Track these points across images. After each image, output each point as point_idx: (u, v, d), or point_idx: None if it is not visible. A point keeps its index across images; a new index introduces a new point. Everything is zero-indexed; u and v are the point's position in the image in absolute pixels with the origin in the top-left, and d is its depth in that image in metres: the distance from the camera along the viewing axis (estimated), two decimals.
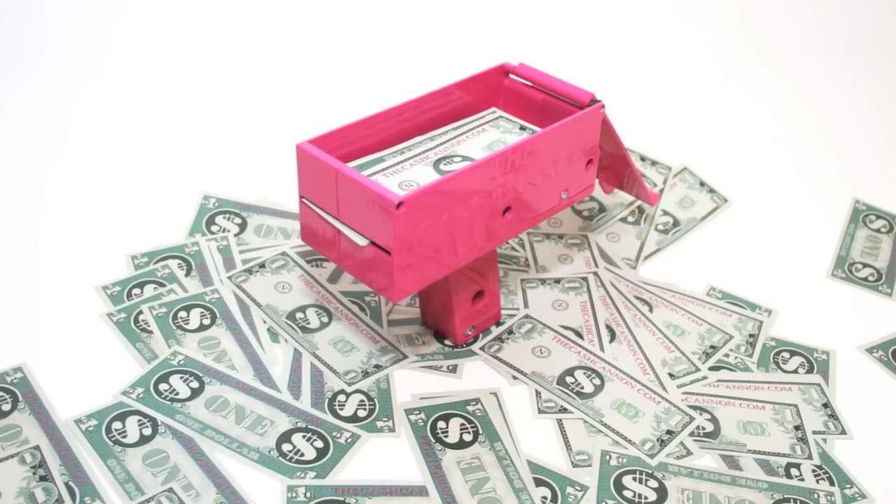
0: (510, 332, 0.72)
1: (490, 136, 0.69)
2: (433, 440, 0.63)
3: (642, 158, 0.93)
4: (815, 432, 0.65)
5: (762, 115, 1.04)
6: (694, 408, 0.67)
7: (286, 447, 0.61)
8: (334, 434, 0.63)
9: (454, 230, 0.61)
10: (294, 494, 0.58)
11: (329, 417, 0.64)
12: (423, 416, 0.65)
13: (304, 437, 0.62)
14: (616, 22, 1.13)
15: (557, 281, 0.77)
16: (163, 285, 0.73)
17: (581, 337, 0.72)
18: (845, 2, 1.18)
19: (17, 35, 1.02)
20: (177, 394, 0.64)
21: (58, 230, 0.80)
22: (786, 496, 0.61)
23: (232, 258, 0.77)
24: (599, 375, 0.68)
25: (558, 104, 0.71)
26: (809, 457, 0.64)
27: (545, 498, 0.59)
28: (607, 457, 0.62)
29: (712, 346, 0.72)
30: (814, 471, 0.63)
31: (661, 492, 0.60)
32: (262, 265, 0.76)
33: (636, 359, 0.70)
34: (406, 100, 0.68)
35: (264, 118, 0.97)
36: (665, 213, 0.86)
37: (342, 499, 0.58)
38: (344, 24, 1.09)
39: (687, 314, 0.75)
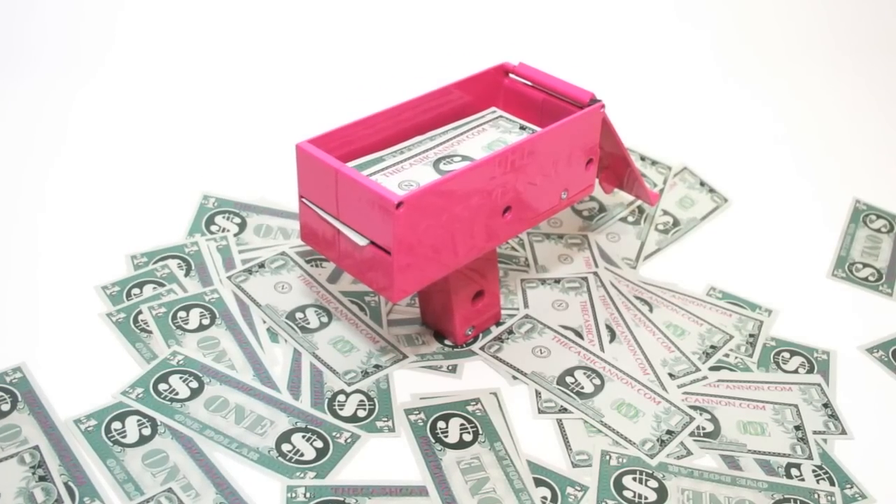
0: (510, 332, 0.72)
1: (490, 135, 0.69)
2: (433, 440, 0.63)
3: (642, 158, 0.93)
4: (815, 432, 0.65)
5: (762, 114, 1.04)
6: (694, 408, 0.66)
7: (286, 447, 0.61)
8: (334, 434, 0.63)
9: (454, 230, 0.61)
10: (294, 495, 0.58)
11: (329, 417, 0.64)
12: (422, 416, 0.65)
13: (303, 437, 0.62)
14: (616, 22, 1.13)
15: (557, 281, 0.77)
16: (162, 285, 0.73)
17: (581, 337, 0.72)
18: (845, 2, 1.18)
19: (17, 35, 1.02)
20: (176, 394, 0.64)
21: (57, 230, 0.79)
22: (786, 496, 0.61)
23: (231, 258, 0.77)
24: (599, 375, 0.68)
25: (558, 104, 0.71)
26: (810, 457, 0.63)
27: (545, 498, 0.59)
28: (607, 457, 0.62)
29: (712, 346, 0.72)
30: (814, 471, 0.62)
31: (661, 492, 0.60)
32: (261, 265, 0.76)
33: (636, 359, 0.70)
34: (406, 99, 0.68)
35: (264, 118, 0.97)
36: (665, 212, 0.86)
37: (342, 499, 0.58)
38: (344, 24, 1.09)
39: (687, 314, 0.75)
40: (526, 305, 0.74)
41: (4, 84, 0.98)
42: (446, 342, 0.71)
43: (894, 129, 1.04)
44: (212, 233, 0.80)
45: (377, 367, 0.68)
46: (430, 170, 0.64)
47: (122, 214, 0.82)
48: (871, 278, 0.81)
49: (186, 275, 0.75)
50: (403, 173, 0.63)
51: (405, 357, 0.69)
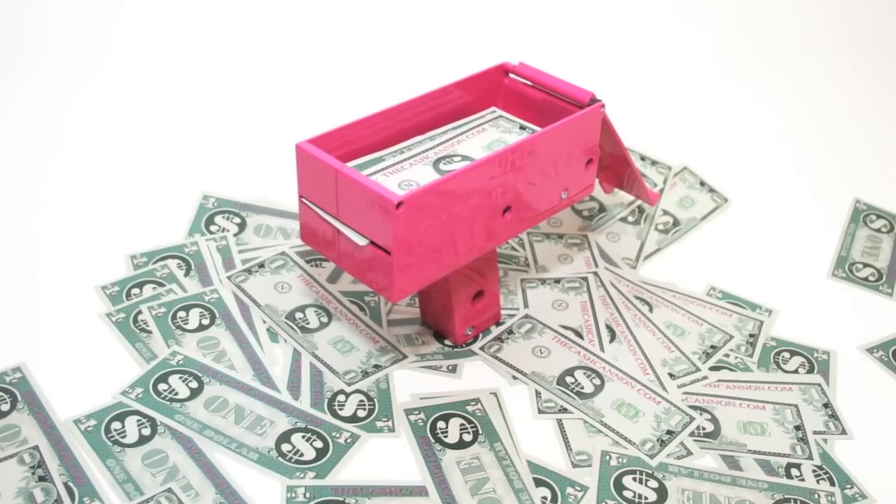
0: (510, 332, 0.72)
1: (490, 135, 0.69)
2: (433, 440, 0.63)
3: (642, 158, 0.93)
4: (815, 432, 0.65)
5: (762, 114, 1.04)
6: (694, 408, 0.66)
7: (285, 447, 0.61)
8: (334, 434, 0.63)
9: (454, 230, 0.61)
10: (293, 495, 0.58)
11: (328, 417, 0.64)
12: (422, 416, 0.64)
13: (303, 437, 0.62)
14: (616, 22, 1.13)
15: (557, 281, 0.77)
16: (162, 285, 0.73)
17: (581, 337, 0.72)
18: (845, 1, 1.18)
19: (16, 34, 1.02)
20: (176, 394, 0.64)
21: (57, 230, 0.79)
22: (786, 496, 0.60)
23: (231, 258, 0.77)
24: (599, 375, 0.68)
25: (558, 104, 0.71)
26: (810, 457, 0.63)
27: (545, 498, 0.59)
28: (607, 457, 0.62)
29: (712, 346, 0.72)
30: (814, 471, 0.62)
31: (662, 492, 0.60)
32: (261, 265, 0.76)
33: (636, 359, 0.70)
34: (406, 99, 0.68)
35: (264, 118, 0.97)
36: (665, 212, 0.86)
37: (342, 499, 0.58)
38: (344, 24, 1.09)
39: (687, 314, 0.75)
40: (526, 305, 0.74)
41: (4, 84, 0.98)
42: (446, 342, 0.71)
43: (894, 128, 1.04)
44: (211, 233, 0.80)
45: (377, 367, 0.68)
46: (429, 170, 0.64)
47: (121, 214, 0.82)
48: (871, 278, 0.81)
49: (186, 275, 0.75)
50: (403, 173, 0.63)
51: (405, 357, 0.69)
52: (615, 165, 0.77)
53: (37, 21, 1.03)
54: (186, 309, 0.71)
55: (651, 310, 0.75)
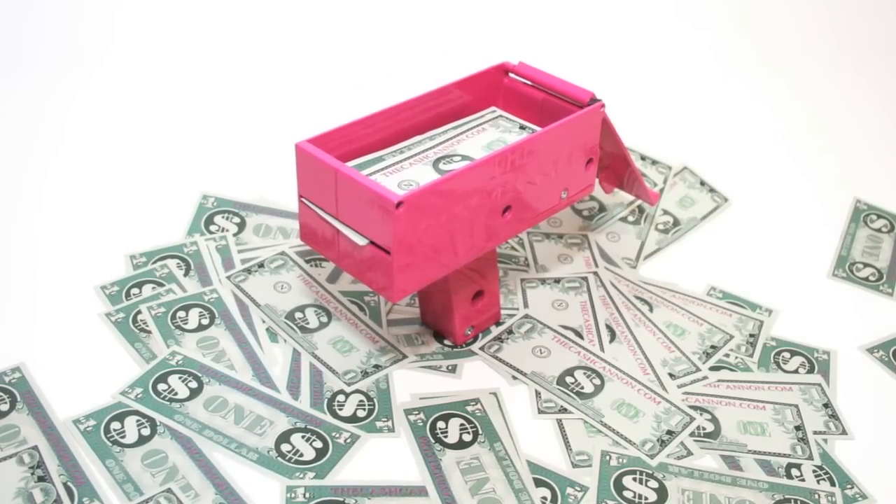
0: (510, 331, 0.72)
1: (490, 135, 0.69)
2: (433, 440, 0.63)
3: (642, 158, 0.93)
4: (815, 432, 0.65)
5: (762, 114, 1.04)
6: (694, 408, 0.66)
7: (285, 447, 0.61)
8: (333, 434, 0.63)
9: (454, 230, 0.61)
10: (293, 495, 0.58)
11: (328, 417, 0.64)
12: (422, 416, 0.64)
13: (303, 437, 0.62)
14: (616, 22, 1.13)
15: (557, 281, 0.77)
16: (161, 285, 0.73)
17: (581, 337, 0.72)
18: (845, 1, 1.18)
19: (15, 34, 1.02)
20: (175, 394, 0.64)
21: (56, 230, 0.79)
22: (786, 496, 0.60)
23: (231, 258, 0.77)
24: (599, 375, 0.68)
25: (558, 103, 0.71)
26: (810, 457, 0.63)
27: (545, 498, 0.59)
28: (607, 457, 0.62)
29: (713, 346, 0.72)
30: (814, 471, 0.62)
31: (662, 492, 0.60)
32: (260, 265, 0.76)
33: (636, 359, 0.70)
34: (405, 99, 0.68)
35: (263, 117, 0.97)
36: (665, 212, 0.86)
37: (341, 499, 0.58)
38: (344, 24, 1.09)
39: (687, 314, 0.75)
40: (526, 305, 0.74)
41: (3, 84, 0.98)
42: (446, 342, 0.71)
43: (895, 128, 1.04)
44: (211, 232, 0.79)
45: (377, 367, 0.68)
46: (429, 169, 0.64)
47: (121, 214, 0.81)
48: (871, 278, 0.81)
49: (186, 275, 0.75)
50: (403, 173, 0.63)
51: (405, 357, 0.69)
52: (615, 165, 0.77)
53: (36, 21, 1.03)
54: (186, 309, 0.71)
55: (651, 310, 0.75)
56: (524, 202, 0.65)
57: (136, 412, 0.63)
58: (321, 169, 0.60)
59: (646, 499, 0.60)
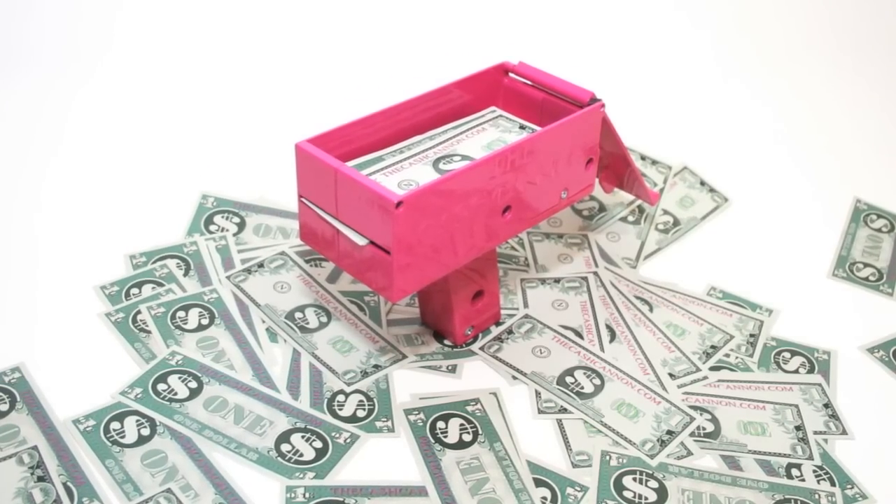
0: (510, 331, 0.72)
1: (489, 135, 0.69)
2: (433, 440, 0.63)
3: (642, 157, 0.93)
4: (815, 432, 0.65)
5: (762, 114, 1.04)
6: (694, 408, 0.66)
7: (285, 447, 0.61)
8: (333, 434, 0.62)
9: (454, 230, 0.61)
10: (293, 495, 0.58)
11: (328, 417, 0.64)
12: (422, 416, 0.64)
13: (303, 437, 0.62)
14: (616, 21, 1.13)
15: (557, 281, 0.77)
16: (161, 285, 0.73)
17: (581, 337, 0.72)
18: (846, 1, 1.18)
19: (15, 33, 1.02)
20: (175, 394, 0.64)
21: (56, 230, 0.79)
22: (786, 497, 0.60)
23: (231, 258, 0.77)
24: (599, 375, 0.68)
25: (558, 103, 0.71)
26: (810, 457, 0.63)
27: (545, 498, 0.59)
28: (607, 457, 0.62)
29: (713, 346, 0.72)
30: (815, 471, 0.62)
31: (662, 492, 0.60)
32: (260, 265, 0.76)
33: (636, 359, 0.70)
34: (405, 99, 0.68)
35: (263, 117, 0.97)
36: (665, 212, 0.86)
37: (341, 499, 0.58)
38: (343, 24, 1.09)
39: (687, 314, 0.75)
40: (526, 305, 0.74)
41: (3, 83, 0.98)
42: (446, 342, 0.71)
43: (895, 128, 1.04)
44: (211, 232, 0.79)
45: (376, 367, 0.68)
46: (429, 169, 0.64)
47: (120, 214, 0.81)
48: (871, 278, 0.81)
49: (185, 274, 0.75)
50: (403, 173, 0.63)
51: (405, 357, 0.69)
52: (615, 165, 0.76)
53: (35, 21, 1.03)
54: (186, 309, 0.71)
55: (651, 310, 0.75)
56: (524, 202, 0.65)
57: (135, 412, 0.63)
58: (321, 169, 0.60)
59: (646, 499, 0.60)
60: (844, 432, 0.66)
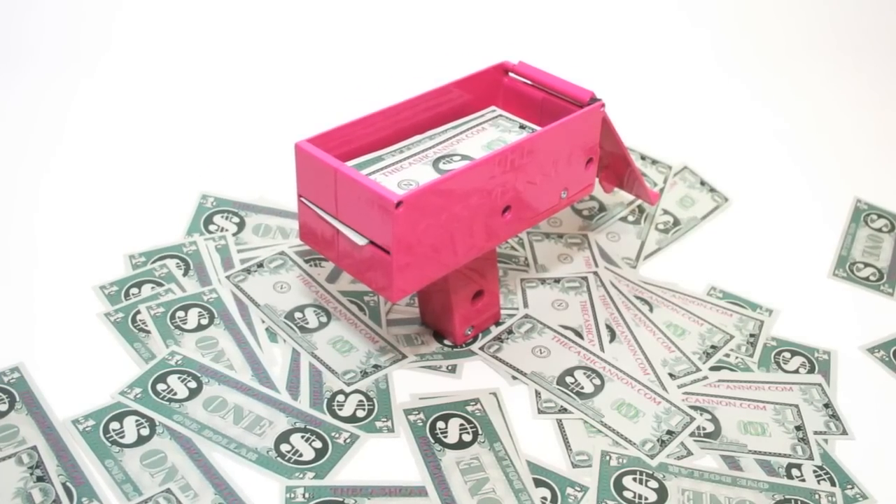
0: (510, 331, 0.72)
1: (489, 134, 0.68)
2: (432, 440, 0.63)
3: (642, 157, 0.93)
4: (816, 433, 0.65)
5: (763, 113, 1.04)
6: (694, 408, 0.66)
7: (285, 447, 0.61)
8: (333, 434, 0.62)
9: (453, 229, 0.61)
10: (292, 495, 0.58)
11: (328, 418, 0.64)
12: (422, 416, 0.64)
13: (302, 437, 0.62)
14: (616, 21, 1.13)
15: (557, 280, 0.77)
16: (161, 285, 0.73)
17: (581, 337, 0.71)
18: (846, 1, 1.18)
19: (14, 32, 1.02)
20: (175, 394, 0.64)
21: (55, 229, 0.79)
22: (787, 497, 0.60)
23: (230, 258, 0.77)
24: (599, 375, 0.68)
25: (558, 103, 0.71)
26: (810, 457, 0.63)
27: (545, 499, 0.59)
28: (607, 457, 0.62)
29: (713, 346, 0.72)
30: (815, 471, 0.62)
31: (662, 492, 0.60)
32: (260, 265, 0.76)
33: (636, 359, 0.70)
34: (405, 98, 0.68)
35: (263, 117, 0.97)
36: (665, 212, 0.86)
37: (341, 499, 0.58)
38: (343, 24, 1.09)
39: (687, 314, 0.75)
40: (526, 305, 0.74)
41: (2, 82, 0.98)
42: (446, 342, 0.71)
43: (895, 128, 1.03)
44: (210, 232, 0.79)
45: (376, 367, 0.68)
46: (429, 169, 0.64)
47: (120, 214, 0.81)
48: (871, 278, 0.81)
49: (185, 274, 0.75)
50: (403, 172, 0.63)
51: (404, 357, 0.69)
52: (615, 165, 0.76)
53: (34, 19, 1.02)
54: (185, 309, 0.71)
55: (651, 310, 0.75)
56: (524, 202, 0.65)
57: (135, 412, 0.63)
58: (321, 168, 0.60)
59: (646, 499, 0.60)
60: (845, 432, 0.66)
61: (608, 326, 0.73)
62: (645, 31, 1.13)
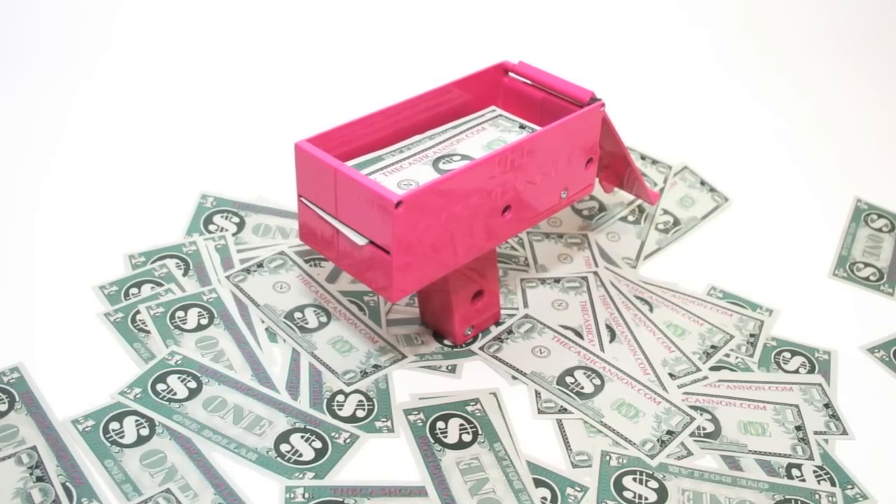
0: (510, 331, 0.72)
1: (489, 134, 0.68)
2: (432, 440, 0.63)
3: (642, 157, 0.93)
4: (816, 433, 0.65)
5: (763, 113, 1.04)
6: (694, 408, 0.66)
7: (284, 447, 0.61)
8: (333, 434, 0.62)
9: (453, 229, 0.60)
10: (292, 495, 0.58)
11: (327, 418, 0.64)
12: (422, 416, 0.64)
13: (302, 437, 0.62)
14: (616, 21, 1.13)
15: (557, 280, 0.77)
16: (160, 285, 0.73)
17: (581, 337, 0.71)
18: (846, 1, 1.18)
19: (14, 32, 1.02)
20: (174, 394, 0.64)
21: (55, 229, 0.79)
22: (787, 497, 0.60)
23: (230, 258, 0.76)
24: (599, 375, 0.68)
25: (558, 103, 0.71)
26: (811, 457, 0.63)
27: (545, 499, 0.59)
28: (607, 457, 0.62)
29: (713, 346, 0.72)
30: (815, 471, 0.62)
31: (662, 492, 0.60)
32: (260, 265, 0.76)
33: (636, 359, 0.70)
34: (405, 98, 0.68)
35: (263, 117, 0.97)
36: (665, 212, 0.86)
37: (341, 499, 0.58)
38: (343, 24, 1.09)
39: (687, 314, 0.75)
40: (526, 305, 0.74)
41: (2, 82, 0.97)
42: (445, 342, 0.71)
43: (895, 128, 1.03)
44: (210, 232, 0.79)
45: (376, 367, 0.68)
46: (429, 169, 0.64)
47: (119, 214, 0.81)
48: (872, 278, 0.81)
49: (185, 274, 0.74)
50: (402, 172, 0.63)
51: (404, 357, 0.69)
52: (615, 165, 0.76)
53: (34, 19, 1.02)
54: (185, 309, 0.71)
55: (651, 309, 0.75)
56: (524, 202, 0.65)
57: (134, 412, 0.63)
58: (320, 168, 0.60)
59: (646, 499, 0.60)
60: (845, 432, 0.66)
61: (608, 326, 0.73)
62: (645, 32, 1.13)
